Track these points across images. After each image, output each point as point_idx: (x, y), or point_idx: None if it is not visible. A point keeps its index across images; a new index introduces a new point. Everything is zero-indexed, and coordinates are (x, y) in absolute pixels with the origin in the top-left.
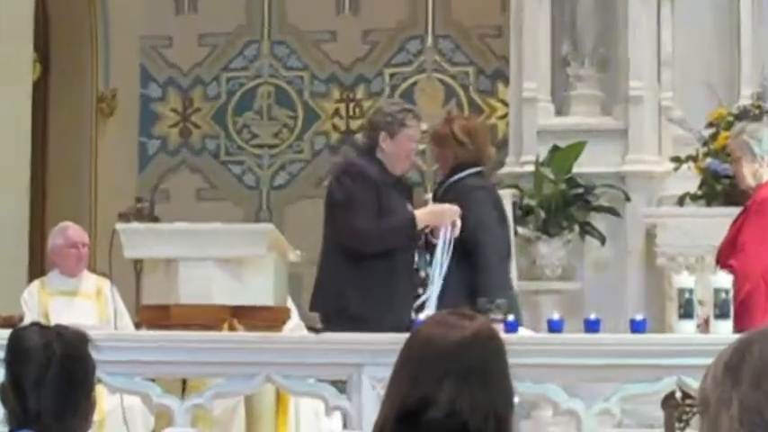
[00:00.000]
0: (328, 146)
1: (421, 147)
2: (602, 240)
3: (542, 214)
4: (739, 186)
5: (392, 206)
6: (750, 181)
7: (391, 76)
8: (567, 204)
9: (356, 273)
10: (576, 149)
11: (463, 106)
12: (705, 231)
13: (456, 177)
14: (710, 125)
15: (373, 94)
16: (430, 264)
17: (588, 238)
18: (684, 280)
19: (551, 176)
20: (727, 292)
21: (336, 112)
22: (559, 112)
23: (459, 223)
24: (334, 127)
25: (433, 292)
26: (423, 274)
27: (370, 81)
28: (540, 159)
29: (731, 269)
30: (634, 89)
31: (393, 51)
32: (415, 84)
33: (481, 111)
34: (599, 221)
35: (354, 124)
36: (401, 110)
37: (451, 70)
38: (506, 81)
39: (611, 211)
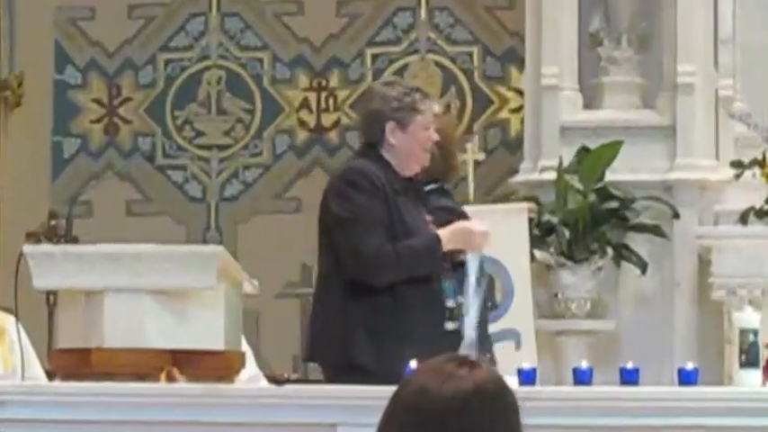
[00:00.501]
0: (293, 147)
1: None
2: (643, 268)
3: (567, 234)
4: None
5: (407, 220)
6: None
7: (374, 57)
8: (599, 222)
9: (365, 311)
10: (609, 152)
11: (465, 96)
12: None
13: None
14: None
15: (351, 81)
16: (460, 291)
17: (625, 264)
18: (748, 318)
19: (578, 186)
20: (755, 333)
21: (304, 103)
22: (589, 104)
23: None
24: (302, 123)
25: (467, 326)
26: (451, 303)
27: (348, 65)
28: (565, 165)
29: None
30: (684, 75)
31: (377, 27)
32: (404, 68)
33: (489, 102)
34: (639, 244)
35: (327, 119)
36: (407, 91)
37: (451, 51)
38: (521, 64)
39: (655, 230)
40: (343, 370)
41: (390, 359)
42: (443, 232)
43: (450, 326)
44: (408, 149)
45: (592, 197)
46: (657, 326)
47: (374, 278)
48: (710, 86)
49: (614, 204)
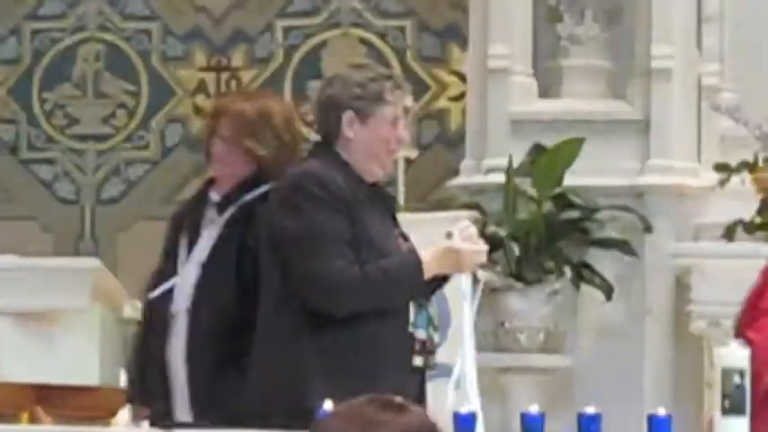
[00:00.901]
0: (187, 139)
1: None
2: (608, 292)
3: (516, 250)
4: None
5: (373, 236)
6: None
7: (286, 31)
8: (555, 236)
9: (320, 347)
10: (569, 151)
11: None
12: None
13: (251, 197)
14: None
15: (257, 60)
16: (430, 323)
17: (586, 288)
18: (733, 355)
19: (531, 192)
20: (742, 374)
21: (201, 86)
22: (545, 92)
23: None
24: (197, 110)
25: (466, 364)
26: (422, 334)
27: (254, 40)
28: (515, 165)
29: (749, 342)
30: (660, 58)
31: None
32: (323, 45)
33: (424, 88)
34: (603, 263)
35: None
36: (376, 76)
37: (379, 24)
38: (463, 43)
39: (623, 246)
40: (295, 417)
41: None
42: (426, 257)
43: (418, 361)
44: (367, 147)
45: (547, 205)
46: (624, 363)
47: (338, 307)
48: (692, 73)
49: (574, 214)
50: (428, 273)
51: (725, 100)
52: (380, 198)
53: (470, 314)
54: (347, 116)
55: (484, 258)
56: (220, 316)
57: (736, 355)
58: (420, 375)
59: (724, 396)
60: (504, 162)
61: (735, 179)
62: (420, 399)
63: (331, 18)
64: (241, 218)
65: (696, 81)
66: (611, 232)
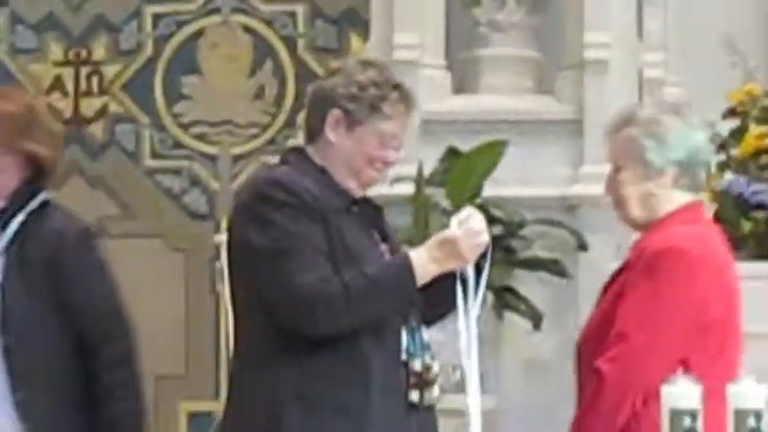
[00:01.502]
0: None
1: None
2: (537, 321)
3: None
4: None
5: (351, 247)
6: (636, 211)
7: (156, 19)
8: None
9: (299, 373)
10: (489, 156)
11: (286, 75)
12: None
13: (30, 208)
14: (732, 113)
15: (123, 52)
16: (426, 350)
17: (511, 316)
18: (682, 393)
19: (445, 204)
20: (693, 416)
21: (57, 83)
22: (461, 87)
23: (488, 251)
24: (53, 111)
25: (473, 391)
26: (418, 366)
27: (118, 29)
28: (426, 173)
29: (599, 374)
30: (594, 47)
31: None
32: (200, 34)
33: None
34: (531, 286)
35: (89, 106)
36: (381, 81)
37: (266, 10)
38: (364, 30)
39: (553, 267)
40: None
41: None
42: (417, 256)
43: (414, 396)
44: (348, 158)
45: None
46: (554, 402)
47: (318, 326)
48: (632, 64)
49: (496, 230)
50: (424, 272)
51: (670, 95)
52: (364, 209)
53: (472, 324)
54: (334, 114)
55: (484, 241)
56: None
57: (687, 393)
58: (421, 414)
59: None
60: (412, 170)
61: None
62: None
63: (209, 3)
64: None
65: (636, 73)
66: (539, 251)
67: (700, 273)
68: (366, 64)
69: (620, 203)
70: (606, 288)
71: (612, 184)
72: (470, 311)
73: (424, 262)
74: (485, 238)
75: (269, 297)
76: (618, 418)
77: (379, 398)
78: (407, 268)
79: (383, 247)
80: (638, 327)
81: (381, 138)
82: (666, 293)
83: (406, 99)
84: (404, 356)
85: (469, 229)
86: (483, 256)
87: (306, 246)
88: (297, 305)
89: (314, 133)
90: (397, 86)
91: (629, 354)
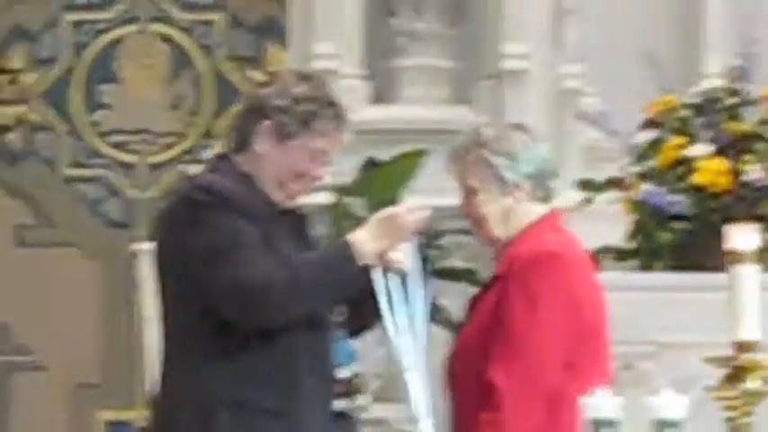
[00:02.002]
0: None
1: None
2: (455, 331)
3: None
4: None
5: (284, 249)
6: (498, 229)
7: (74, 26)
8: None
9: (227, 379)
10: (407, 166)
11: (204, 85)
12: (640, 316)
13: None
14: (650, 124)
15: (41, 60)
16: (352, 357)
17: (430, 326)
18: (601, 404)
19: (363, 214)
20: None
21: None
22: (379, 97)
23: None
24: None
25: (416, 389)
26: (346, 372)
27: (35, 37)
28: (344, 183)
29: (490, 386)
30: (512, 57)
31: None
32: (117, 42)
33: (237, 93)
34: (449, 297)
35: (7, 115)
36: (317, 97)
37: (184, 19)
38: (282, 40)
39: (470, 277)
40: None
41: None
42: (357, 233)
43: (339, 405)
44: (276, 171)
45: None
46: None
47: (272, 315)
48: (550, 74)
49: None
50: (366, 250)
51: (589, 106)
52: (291, 218)
53: (420, 293)
54: (265, 125)
55: (425, 215)
56: None
57: (607, 404)
58: (345, 423)
59: None
60: (330, 179)
61: (601, 198)
62: None
63: (127, 12)
64: None
65: (555, 84)
66: (456, 261)
67: (574, 275)
68: (304, 77)
69: (480, 224)
70: (475, 300)
71: (469, 208)
72: (417, 315)
73: (364, 241)
74: (425, 212)
75: (217, 297)
76: (528, 428)
77: (306, 403)
78: (348, 250)
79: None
80: (526, 336)
81: (311, 154)
82: (546, 298)
83: (340, 117)
84: (329, 362)
85: (409, 205)
86: (425, 260)
87: (246, 240)
88: (248, 296)
89: (243, 141)
90: (331, 104)
91: (522, 365)
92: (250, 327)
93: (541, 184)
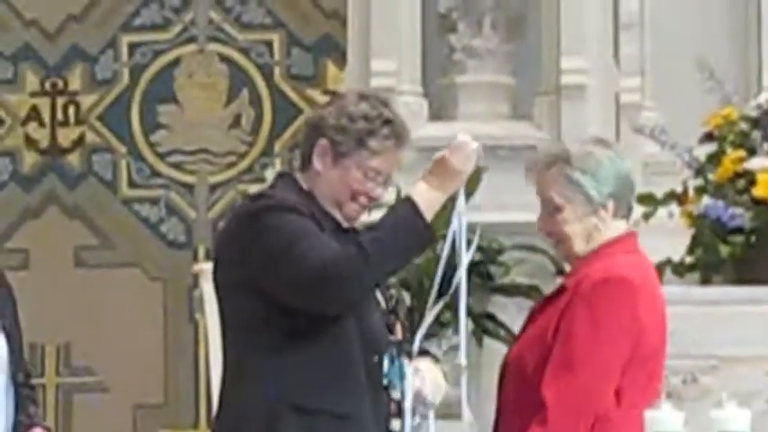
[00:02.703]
0: (17, 175)
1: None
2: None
3: (408, 300)
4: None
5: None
6: (581, 247)
7: (132, 48)
8: (452, 283)
9: (292, 383)
10: (467, 182)
11: (263, 103)
12: (701, 330)
13: None
14: (709, 137)
15: (100, 82)
16: (402, 376)
17: (490, 342)
18: (665, 419)
19: (463, 197)
20: None
21: (33, 113)
22: (437, 114)
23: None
24: (29, 140)
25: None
26: (397, 394)
27: (95, 59)
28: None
29: (542, 400)
30: (571, 72)
31: (134, 4)
32: (176, 63)
33: (296, 111)
34: (510, 313)
35: (66, 136)
36: (374, 116)
37: (242, 39)
38: (341, 58)
39: (532, 293)
40: None
41: None
42: (416, 190)
43: (396, 426)
44: (332, 188)
45: (442, 247)
46: None
47: (351, 291)
48: (609, 89)
49: (474, 257)
50: (428, 202)
51: (648, 120)
52: (350, 236)
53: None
54: (321, 144)
55: (474, 148)
56: None
57: (668, 418)
58: None
59: None
60: (391, 197)
61: (661, 212)
62: None
63: (185, 32)
64: None
65: (614, 99)
66: (517, 277)
67: (641, 302)
68: (363, 96)
69: (562, 242)
70: (537, 310)
71: (551, 225)
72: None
73: (424, 192)
74: (473, 145)
75: (289, 290)
76: None
77: (368, 412)
78: (411, 206)
79: None
80: (582, 356)
81: (366, 172)
82: (609, 322)
83: (398, 135)
84: (384, 381)
85: (455, 144)
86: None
87: (309, 230)
88: (321, 276)
89: (304, 161)
90: (388, 121)
91: (573, 383)
92: (335, 308)
93: (624, 201)
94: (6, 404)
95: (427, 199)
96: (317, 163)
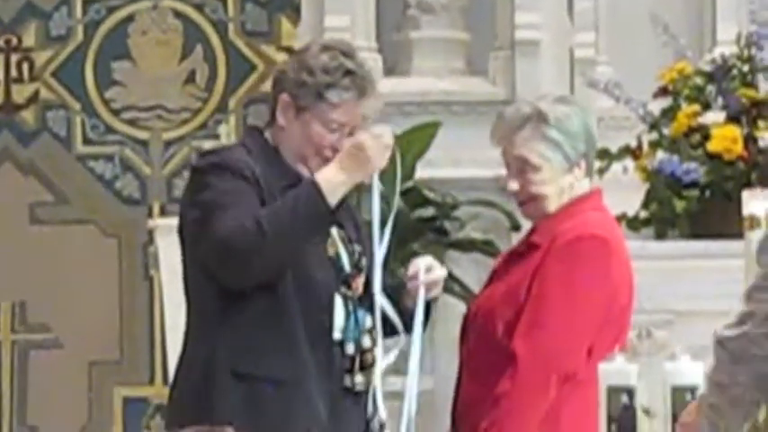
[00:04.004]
0: None
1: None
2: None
3: None
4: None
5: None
6: (554, 207)
7: (86, 4)
8: (407, 238)
9: (231, 348)
10: (421, 138)
11: (217, 60)
12: (656, 284)
13: None
14: (664, 92)
15: (54, 38)
16: (364, 331)
17: (445, 298)
18: (618, 370)
19: (378, 186)
20: (630, 393)
21: None
22: (391, 69)
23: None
24: None
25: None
26: (351, 349)
27: (48, 14)
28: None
29: (516, 358)
30: (525, 27)
31: None
32: (130, 20)
33: (251, 68)
34: (465, 268)
35: (20, 93)
36: (334, 67)
37: None
38: (295, 13)
39: (487, 248)
40: None
41: (271, 418)
42: (324, 170)
43: (348, 381)
44: (296, 144)
45: (396, 202)
46: None
47: (242, 267)
48: (563, 43)
49: (428, 212)
50: (333, 185)
51: (602, 75)
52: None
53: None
54: (283, 99)
55: (390, 143)
56: None
57: (622, 369)
58: (363, 400)
59: (610, 420)
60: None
61: (616, 167)
62: None
63: None
64: None
65: (568, 54)
66: (472, 232)
67: (614, 260)
68: (324, 48)
69: (534, 201)
70: (500, 266)
71: (521, 184)
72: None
73: (331, 175)
74: (389, 138)
75: (205, 256)
76: (541, 403)
77: (307, 373)
78: (313, 186)
79: (344, 249)
80: (556, 313)
81: (328, 125)
82: (584, 280)
83: (359, 87)
84: (338, 335)
85: (374, 132)
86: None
87: (236, 200)
88: (218, 250)
89: (271, 116)
90: (349, 72)
91: (546, 340)
92: (233, 282)
93: (591, 158)
94: None
95: (332, 182)
96: (280, 118)
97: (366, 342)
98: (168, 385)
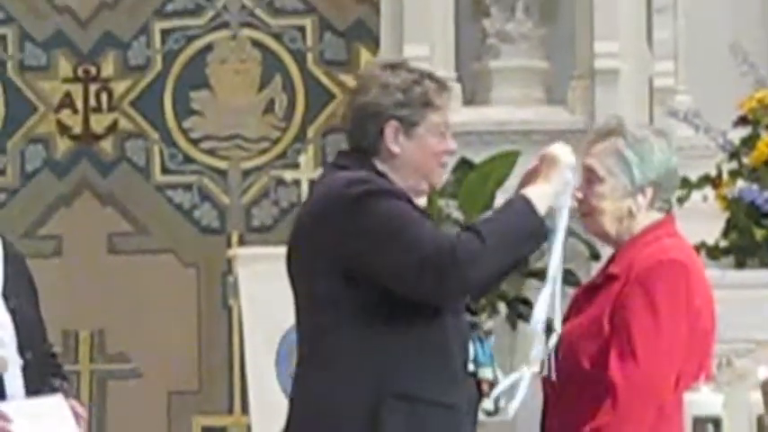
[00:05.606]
0: (50, 162)
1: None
2: (550, 331)
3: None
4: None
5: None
6: (610, 226)
7: (165, 34)
8: None
9: (392, 368)
10: (501, 167)
11: (296, 89)
12: (735, 314)
13: None
14: (743, 121)
15: (132, 68)
16: (493, 360)
17: (525, 326)
18: (704, 400)
19: (457, 216)
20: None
21: (66, 99)
22: (471, 98)
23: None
24: (62, 127)
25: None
26: (488, 373)
27: (127, 45)
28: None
29: (612, 385)
30: (604, 57)
31: None
32: (209, 49)
33: (329, 96)
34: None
35: (99, 123)
36: (417, 77)
37: (275, 24)
38: (373, 43)
39: (566, 277)
40: None
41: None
42: (530, 186)
43: (489, 405)
44: (417, 163)
45: None
46: None
47: (467, 282)
48: (642, 73)
49: None
50: (542, 195)
51: (681, 104)
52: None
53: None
54: (391, 127)
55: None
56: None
57: (709, 401)
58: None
59: None
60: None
61: (695, 196)
62: None
63: (217, 18)
64: None
65: (647, 83)
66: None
67: (694, 285)
68: (390, 67)
69: (591, 214)
70: (581, 298)
71: (585, 193)
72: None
73: (537, 187)
74: (571, 157)
75: (400, 278)
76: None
77: (465, 396)
78: (524, 201)
79: None
80: (644, 340)
81: (439, 131)
82: (667, 304)
83: (440, 81)
84: (471, 367)
85: (559, 146)
86: None
87: (415, 217)
88: (437, 261)
89: (369, 149)
90: (431, 76)
91: (640, 369)
92: (451, 296)
93: (663, 194)
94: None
95: (540, 194)
96: (392, 147)
97: (488, 374)
98: (247, 413)
